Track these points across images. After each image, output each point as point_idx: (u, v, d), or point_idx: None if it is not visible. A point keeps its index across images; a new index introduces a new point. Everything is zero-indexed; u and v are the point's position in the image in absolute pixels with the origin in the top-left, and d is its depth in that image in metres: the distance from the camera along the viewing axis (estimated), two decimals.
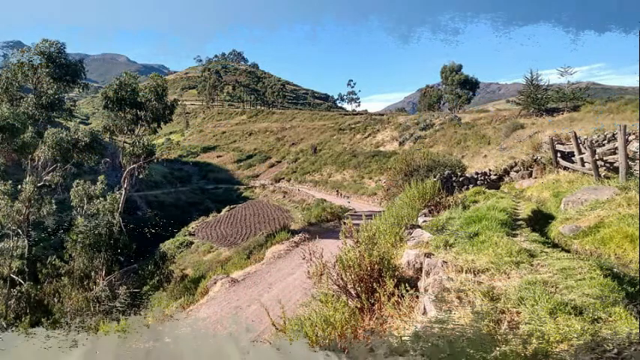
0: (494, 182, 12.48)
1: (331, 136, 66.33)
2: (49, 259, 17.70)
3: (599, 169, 8.79)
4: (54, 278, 16.93)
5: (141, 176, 20.23)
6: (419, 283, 3.73)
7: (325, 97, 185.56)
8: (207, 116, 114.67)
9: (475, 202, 8.12)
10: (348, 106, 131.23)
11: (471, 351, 1.57)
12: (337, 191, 40.66)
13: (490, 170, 13.23)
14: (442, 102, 67.56)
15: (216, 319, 7.07)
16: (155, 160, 21.81)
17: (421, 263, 3.92)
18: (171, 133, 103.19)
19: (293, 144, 70.78)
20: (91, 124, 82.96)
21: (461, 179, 12.88)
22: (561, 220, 5.69)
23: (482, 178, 12.82)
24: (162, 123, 20.86)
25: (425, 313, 2.84)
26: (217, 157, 77.58)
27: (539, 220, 6.38)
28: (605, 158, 9.21)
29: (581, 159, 9.55)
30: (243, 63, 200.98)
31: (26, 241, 16.71)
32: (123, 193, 18.35)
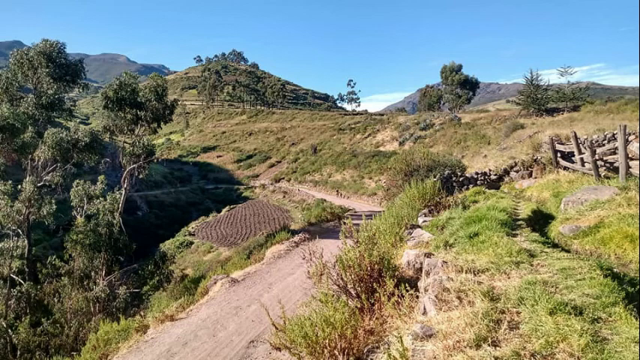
0: (494, 182, 12.49)
1: (331, 136, 66.32)
2: (49, 259, 17.67)
3: (599, 169, 8.79)
4: (54, 278, 16.91)
5: (141, 176, 20.19)
6: (419, 283, 3.72)
7: (325, 97, 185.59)
8: (207, 116, 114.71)
9: (475, 202, 8.12)
10: (348, 106, 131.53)
11: None
12: (337, 191, 40.67)
13: (490, 170, 13.23)
14: (442, 102, 67.51)
15: (216, 319, 7.08)
16: (155, 160, 21.78)
17: (421, 263, 3.92)
18: (171, 133, 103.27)
19: (293, 144, 70.79)
20: (91, 124, 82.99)
21: (461, 179, 12.89)
22: (561, 220, 5.68)
23: (482, 178, 12.83)
24: (162, 123, 20.81)
25: (425, 313, 2.84)
26: (217, 157, 77.62)
27: (539, 220, 6.38)
28: (605, 158, 9.21)
29: (581, 159, 9.55)
30: (243, 63, 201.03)
31: (26, 241, 16.70)
32: (123, 193, 18.31)
